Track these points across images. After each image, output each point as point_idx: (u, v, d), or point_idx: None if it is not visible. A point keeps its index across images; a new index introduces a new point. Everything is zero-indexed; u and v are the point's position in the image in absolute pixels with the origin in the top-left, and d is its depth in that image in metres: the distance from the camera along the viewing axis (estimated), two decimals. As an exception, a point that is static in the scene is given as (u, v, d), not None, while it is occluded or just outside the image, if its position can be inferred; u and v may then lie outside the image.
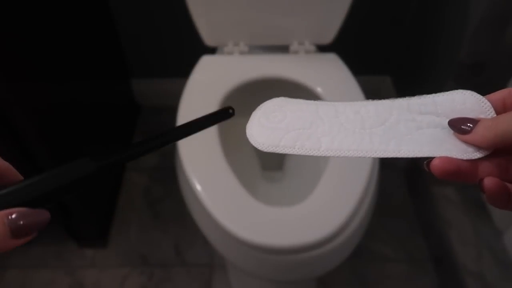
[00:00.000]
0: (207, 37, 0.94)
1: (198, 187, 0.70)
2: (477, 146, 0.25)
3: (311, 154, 0.27)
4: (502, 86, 0.76)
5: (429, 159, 0.26)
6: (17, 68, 0.74)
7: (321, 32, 0.94)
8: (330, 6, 0.89)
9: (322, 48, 0.97)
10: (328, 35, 0.94)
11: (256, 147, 0.28)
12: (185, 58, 1.04)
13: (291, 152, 0.28)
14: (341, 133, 0.27)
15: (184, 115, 0.81)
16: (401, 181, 1.26)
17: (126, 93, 1.36)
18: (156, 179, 1.27)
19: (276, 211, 0.68)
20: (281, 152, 0.28)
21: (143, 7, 1.17)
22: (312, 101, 0.29)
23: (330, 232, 0.64)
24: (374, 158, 0.74)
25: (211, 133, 0.77)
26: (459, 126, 0.26)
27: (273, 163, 1.06)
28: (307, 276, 0.74)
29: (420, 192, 1.19)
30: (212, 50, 0.98)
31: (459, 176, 0.25)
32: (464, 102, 0.27)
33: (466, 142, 0.26)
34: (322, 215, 0.67)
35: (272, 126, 0.29)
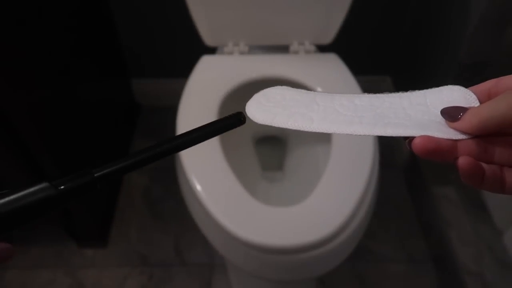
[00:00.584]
0: (207, 37, 0.94)
1: (198, 187, 0.70)
2: (465, 132, 0.26)
3: (302, 129, 0.29)
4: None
5: (411, 138, 0.27)
6: (17, 69, 0.74)
7: (321, 32, 0.94)
8: (330, 6, 0.89)
9: (322, 48, 0.97)
10: (328, 35, 0.94)
11: (252, 119, 0.30)
12: (185, 58, 1.04)
13: (284, 126, 0.29)
14: (333, 115, 0.29)
15: (184, 115, 0.81)
16: (401, 181, 1.26)
17: (126, 93, 1.36)
18: (156, 179, 1.27)
19: (276, 211, 0.68)
20: (274, 125, 0.29)
21: (143, 7, 1.17)
22: (311, 91, 0.32)
23: (330, 232, 0.64)
24: (374, 158, 0.74)
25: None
26: (451, 113, 0.27)
27: (273, 163, 1.06)
28: (307, 276, 0.74)
29: (420, 192, 1.19)
30: (212, 50, 0.98)
31: (439, 154, 0.26)
32: (451, 95, 0.28)
33: (455, 128, 0.27)
34: (322, 215, 0.67)
35: (270, 105, 0.31)
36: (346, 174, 0.72)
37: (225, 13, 0.90)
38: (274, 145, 1.06)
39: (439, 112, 0.28)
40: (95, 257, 1.12)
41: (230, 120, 0.28)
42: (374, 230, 1.13)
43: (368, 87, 0.94)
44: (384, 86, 1.39)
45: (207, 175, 0.72)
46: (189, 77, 0.89)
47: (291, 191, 0.95)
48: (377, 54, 1.33)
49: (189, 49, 1.06)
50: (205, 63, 0.91)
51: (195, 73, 0.89)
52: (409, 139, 0.27)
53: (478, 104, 0.28)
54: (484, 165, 0.26)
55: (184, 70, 0.93)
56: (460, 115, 0.27)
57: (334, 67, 0.90)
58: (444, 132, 0.27)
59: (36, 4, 0.78)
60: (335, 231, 0.65)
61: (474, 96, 0.28)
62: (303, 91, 0.32)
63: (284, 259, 0.66)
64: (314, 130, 0.29)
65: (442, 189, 1.09)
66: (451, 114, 0.27)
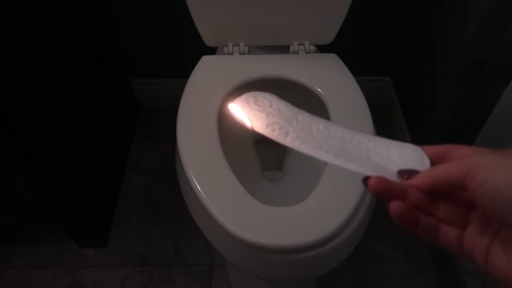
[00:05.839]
0: (207, 37, 0.94)
1: (198, 187, 0.70)
2: (417, 188, 0.29)
3: (276, 139, 0.32)
4: (502, 86, 0.76)
5: (366, 177, 0.30)
6: (18, 69, 0.74)
7: (321, 33, 0.94)
8: (330, 6, 0.89)
9: (322, 48, 0.97)
10: (328, 36, 0.94)
11: (234, 114, 0.33)
12: (185, 58, 1.04)
13: (259, 131, 0.32)
14: (307, 136, 0.32)
15: (184, 115, 0.81)
16: (401, 181, 1.26)
17: (126, 93, 1.36)
18: (156, 179, 1.27)
19: (276, 211, 0.68)
20: (252, 127, 0.33)
21: (143, 7, 1.17)
22: (297, 108, 0.35)
23: (330, 232, 0.64)
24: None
25: (211, 133, 0.77)
26: (405, 173, 0.30)
27: (273, 163, 1.06)
28: (307, 276, 0.75)
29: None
30: (212, 50, 0.98)
31: (390, 196, 0.29)
32: (412, 153, 0.31)
33: (409, 184, 0.29)
34: (322, 215, 0.67)
35: (255, 108, 0.34)
36: (346, 174, 0.72)
37: (225, 13, 0.90)
38: (274, 145, 1.06)
39: (396, 164, 0.30)
40: (95, 257, 1.12)
41: None
42: (374, 230, 1.13)
43: (368, 88, 0.94)
44: (384, 86, 1.39)
45: (207, 175, 0.72)
46: (189, 77, 0.89)
47: (291, 191, 0.96)
48: (377, 55, 1.33)
49: (189, 49, 1.06)
50: (205, 63, 0.91)
51: (195, 73, 0.89)
52: (365, 177, 0.30)
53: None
54: (423, 215, 0.29)
55: (184, 70, 0.93)
56: (413, 174, 0.30)
57: (334, 67, 0.90)
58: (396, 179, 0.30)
59: (36, 5, 0.78)
60: (335, 231, 0.65)
61: (428, 162, 0.30)
62: (289, 104, 0.34)
63: (284, 259, 0.66)
64: (286, 144, 0.32)
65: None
66: (404, 173, 0.30)
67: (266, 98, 0.34)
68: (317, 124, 0.33)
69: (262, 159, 1.02)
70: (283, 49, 0.95)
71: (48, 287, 1.07)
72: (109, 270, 1.10)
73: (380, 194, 0.29)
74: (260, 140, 1.03)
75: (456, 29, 0.94)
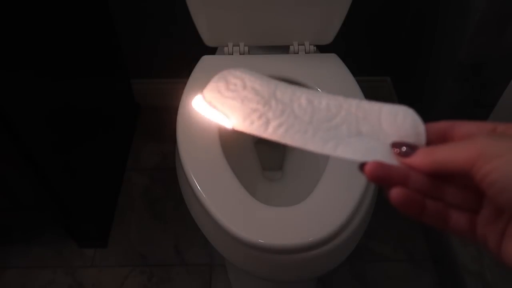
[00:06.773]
0: (207, 37, 0.94)
1: (198, 187, 0.70)
2: (416, 169, 0.26)
3: (257, 133, 0.29)
4: (502, 86, 0.76)
5: (363, 163, 0.27)
6: (18, 69, 0.74)
7: (321, 33, 0.94)
8: (330, 6, 0.89)
9: (322, 48, 0.97)
10: (328, 36, 0.94)
11: (204, 116, 0.30)
12: (185, 58, 1.04)
13: (240, 128, 0.29)
14: (290, 120, 0.29)
15: (184, 115, 0.81)
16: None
17: (126, 93, 1.36)
18: (156, 179, 1.27)
19: (276, 211, 0.68)
20: (230, 127, 0.30)
21: (143, 7, 1.17)
22: (274, 80, 0.31)
23: (330, 232, 0.64)
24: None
25: (211, 133, 0.77)
26: (401, 148, 0.27)
27: (273, 163, 1.06)
28: (307, 276, 0.75)
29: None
30: (212, 50, 0.98)
31: (390, 180, 0.26)
32: (404, 119, 0.29)
33: (405, 163, 0.27)
34: (322, 215, 0.67)
35: (228, 96, 0.30)
36: (346, 174, 0.72)
37: (225, 13, 0.90)
38: (274, 145, 1.06)
39: (389, 134, 0.28)
40: (95, 257, 1.12)
41: None
42: (374, 230, 1.13)
43: (368, 88, 0.94)
44: (384, 86, 1.39)
45: (207, 175, 0.72)
46: (189, 77, 0.89)
47: (291, 191, 0.95)
48: (377, 55, 1.33)
49: (189, 49, 1.06)
50: (205, 63, 0.91)
51: (195, 73, 0.89)
52: (361, 163, 0.27)
53: (424, 137, 0.28)
54: (429, 200, 0.26)
55: (184, 70, 0.93)
56: (409, 150, 0.27)
57: (334, 67, 0.90)
58: (392, 159, 0.27)
59: (37, 5, 0.78)
60: (335, 231, 0.65)
61: (423, 128, 0.28)
62: (264, 78, 0.31)
63: (284, 259, 0.66)
64: (267, 137, 0.29)
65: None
66: (400, 148, 0.27)
67: (237, 77, 0.31)
68: (298, 99, 0.30)
69: (262, 159, 1.02)
70: (283, 49, 0.95)
71: (48, 287, 1.07)
72: (109, 270, 1.10)
73: (378, 180, 0.26)
74: (260, 140, 1.04)
75: (456, 29, 0.94)
